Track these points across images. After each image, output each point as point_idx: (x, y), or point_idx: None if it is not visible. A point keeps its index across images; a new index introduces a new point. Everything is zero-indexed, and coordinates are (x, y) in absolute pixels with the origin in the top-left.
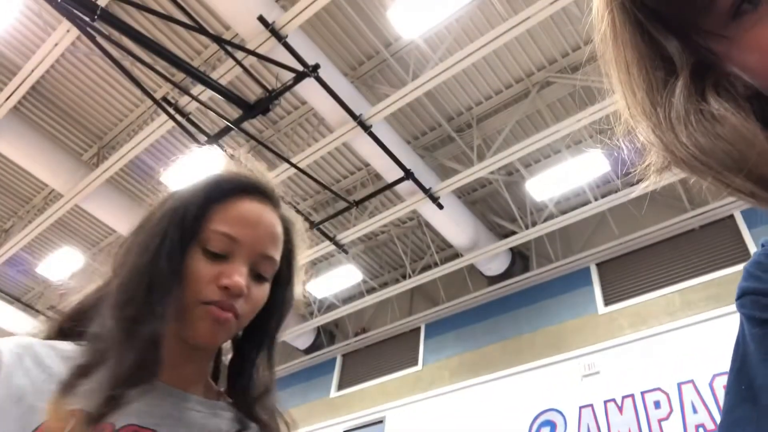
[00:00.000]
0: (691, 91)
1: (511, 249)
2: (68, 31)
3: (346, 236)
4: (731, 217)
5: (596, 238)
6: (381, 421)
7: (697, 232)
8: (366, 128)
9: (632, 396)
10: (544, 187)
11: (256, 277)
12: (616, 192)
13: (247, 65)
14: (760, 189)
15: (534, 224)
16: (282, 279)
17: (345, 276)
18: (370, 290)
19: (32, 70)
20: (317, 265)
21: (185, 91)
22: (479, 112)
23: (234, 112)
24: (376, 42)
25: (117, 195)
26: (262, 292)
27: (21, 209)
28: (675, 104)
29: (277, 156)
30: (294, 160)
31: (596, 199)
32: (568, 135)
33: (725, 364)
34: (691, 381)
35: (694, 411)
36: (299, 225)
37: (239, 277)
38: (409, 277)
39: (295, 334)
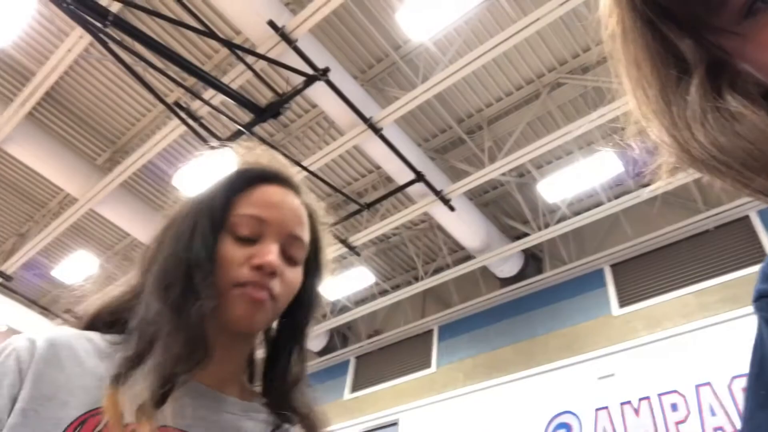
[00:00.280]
0: (707, 89)
1: (524, 251)
2: (81, 37)
3: (358, 238)
4: (746, 217)
5: (610, 240)
6: (395, 424)
7: (712, 232)
8: (377, 131)
9: (648, 398)
10: (556, 188)
11: (288, 260)
12: (629, 193)
13: (257, 69)
14: None
15: (546, 226)
16: (310, 268)
17: (357, 278)
18: (383, 292)
19: (46, 76)
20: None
21: (197, 96)
22: (490, 114)
23: (245, 116)
24: (385, 45)
25: (131, 199)
26: (296, 274)
27: (37, 213)
28: (690, 103)
29: (288, 159)
30: (305, 164)
31: (609, 200)
32: (580, 136)
33: (743, 366)
34: (709, 383)
35: (713, 413)
36: (322, 213)
37: (271, 255)
38: (422, 279)
39: (309, 336)
